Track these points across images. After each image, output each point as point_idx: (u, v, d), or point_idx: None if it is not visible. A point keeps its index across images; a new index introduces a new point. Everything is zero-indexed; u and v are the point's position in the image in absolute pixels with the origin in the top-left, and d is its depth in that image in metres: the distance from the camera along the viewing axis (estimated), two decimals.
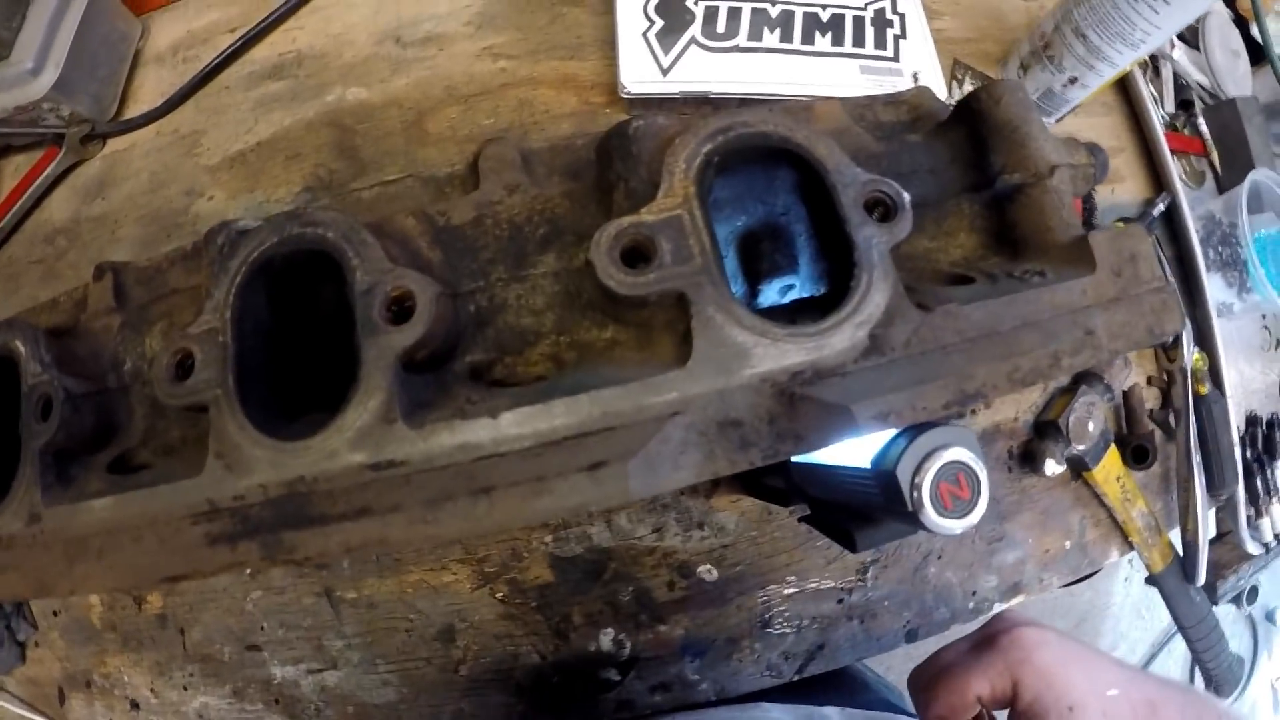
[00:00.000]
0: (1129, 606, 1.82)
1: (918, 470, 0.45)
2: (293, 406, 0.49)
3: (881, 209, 0.45)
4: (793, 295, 0.53)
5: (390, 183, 0.54)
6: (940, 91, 0.87)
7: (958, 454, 0.45)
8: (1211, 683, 1.00)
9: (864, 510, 0.55)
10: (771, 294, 0.53)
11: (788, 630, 0.83)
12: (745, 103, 0.80)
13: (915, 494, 0.45)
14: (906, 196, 0.45)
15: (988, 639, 0.54)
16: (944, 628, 0.86)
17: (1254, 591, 1.07)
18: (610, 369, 0.44)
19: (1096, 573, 0.94)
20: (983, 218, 0.54)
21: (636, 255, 0.43)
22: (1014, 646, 0.52)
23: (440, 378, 0.46)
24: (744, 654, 0.82)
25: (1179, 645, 1.76)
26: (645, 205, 0.43)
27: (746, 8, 0.81)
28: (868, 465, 0.47)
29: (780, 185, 0.51)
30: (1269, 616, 1.48)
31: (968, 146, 0.54)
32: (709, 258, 0.42)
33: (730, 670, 0.82)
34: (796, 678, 0.84)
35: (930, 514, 0.45)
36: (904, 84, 0.81)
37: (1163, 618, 1.79)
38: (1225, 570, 1.03)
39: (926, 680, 0.55)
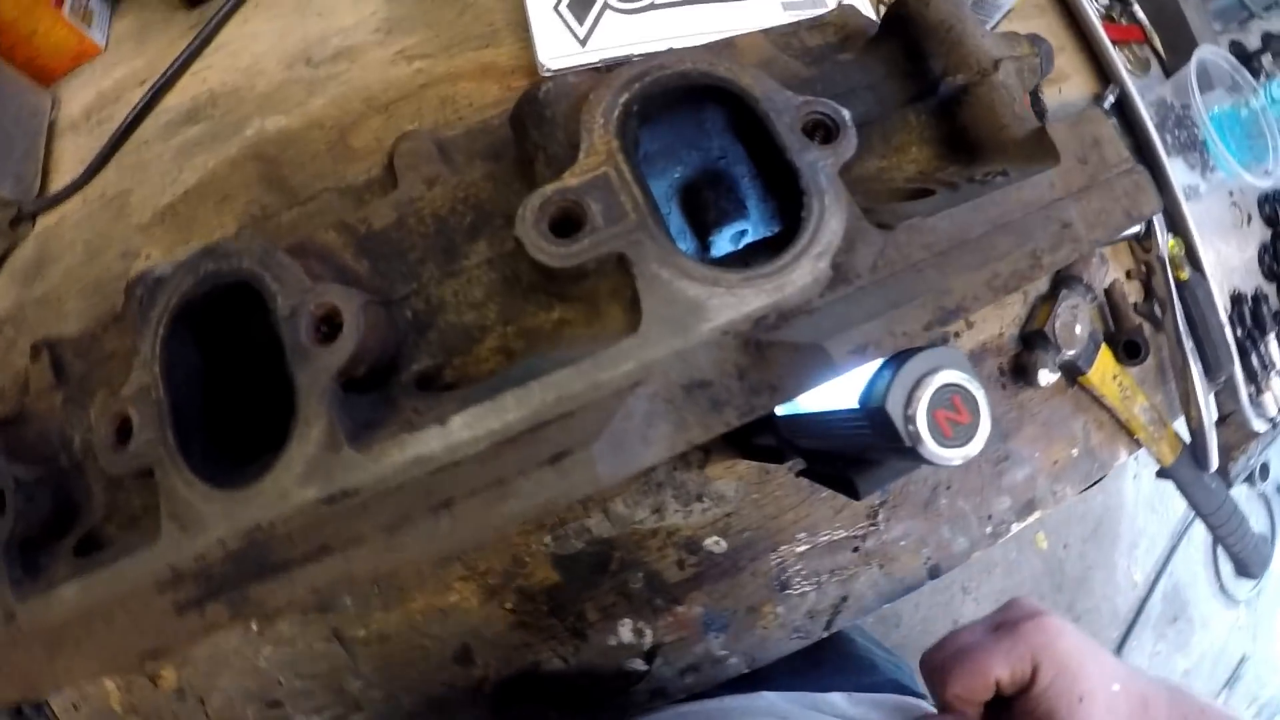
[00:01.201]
0: (1142, 502, 1.78)
1: (909, 401, 0.40)
2: (245, 449, 0.44)
3: (822, 131, 0.41)
4: (747, 241, 0.49)
5: (308, 200, 0.50)
6: (866, 11, 0.82)
7: (949, 376, 0.40)
8: (1240, 565, 0.96)
9: (862, 454, 0.50)
10: (724, 243, 0.49)
11: (807, 588, 0.79)
12: None
13: (910, 427, 0.40)
14: (846, 113, 0.41)
15: (1009, 624, 0.52)
16: (965, 558, 0.82)
17: (1265, 468, 1.03)
18: (561, 351, 0.39)
19: (1105, 476, 0.90)
20: (932, 127, 0.50)
21: (566, 224, 0.38)
22: (1038, 632, 0.51)
23: (387, 394, 0.42)
24: (768, 620, 0.78)
25: (1197, 533, 1.73)
26: (565, 168, 0.39)
27: None
28: (856, 406, 0.43)
29: (711, 127, 0.47)
30: None
31: (903, 57, 0.49)
32: (643, 212, 0.38)
33: (757, 639, 0.78)
34: (826, 634, 0.79)
35: (930, 446, 0.40)
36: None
37: (1177, 508, 1.76)
38: (1234, 451, 0.99)
39: (943, 661, 0.53)
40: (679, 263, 0.37)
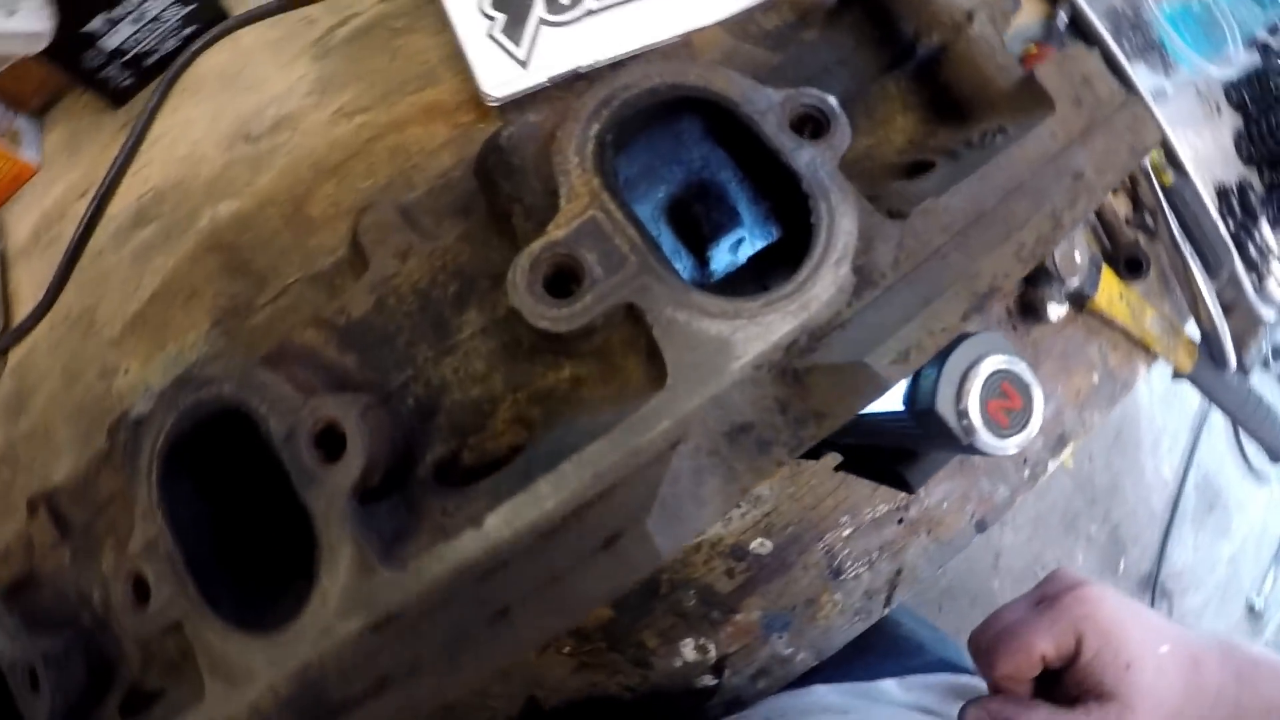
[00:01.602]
0: (1157, 401, 1.76)
1: (959, 397, 0.37)
2: (270, 579, 0.41)
3: (811, 124, 0.37)
4: (746, 249, 0.45)
5: (278, 297, 0.46)
6: None
7: (995, 363, 0.37)
8: (1274, 454, 0.94)
9: (907, 446, 0.47)
10: (723, 256, 0.45)
11: (860, 569, 0.76)
12: (616, 65, 0.71)
13: (965, 422, 0.37)
14: (832, 100, 0.37)
15: (1050, 598, 0.51)
16: (1009, 506, 0.79)
17: (1277, 351, 1.01)
18: (584, 417, 0.36)
19: (1128, 394, 0.87)
20: (913, 93, 0.46)
21: (562, 281, 0.34)
22: (1078, 604, 0.49)
23: (407, 494, 0.38)
24: (827, 609, 0.75)
25: (1216, 420, 1.72)
26: (549, 220, 0.35)
27: None
28: (901, 408, 0.39)
29: (688, 138, 0.43)
30: None
31: (870, 24, 0.46)
32: (643, 252, 0.34)
33: (820, 630, 0.75)
34: (888, 610, 0.77)
35: (987, 439, 0.37)
36: None
37: (1192, 400, 1.72)
38: (1245, 340, 0.96)
39: (990, 641, 0.52)
40: (694, 300, 0.33)
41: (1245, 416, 0.89)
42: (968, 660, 0.88)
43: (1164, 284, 0.87)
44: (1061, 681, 0.50)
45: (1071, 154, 0.41)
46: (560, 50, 0.69)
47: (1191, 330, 0.88)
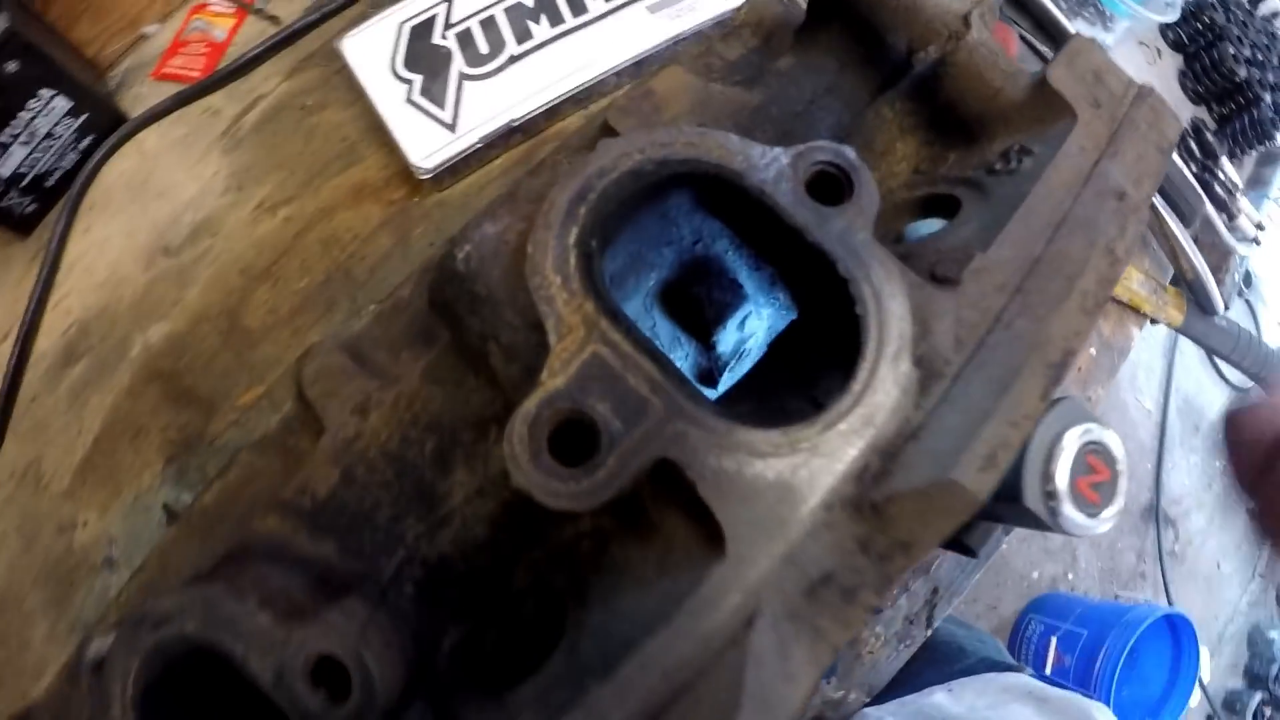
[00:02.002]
0: (1144, 358, 1.74)
1: (1045, 483, 0.30)
2: None
3: (830, 185, 0.30)
4: (754, 326, 0.38)
5: (223, 474, 0.38)
6: None
7: (1079, 437, 0.31)
8: (1264, 384, 0.91)
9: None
10: (730, 338, 0.38)
11: (898, 597, 0.70)
12: (551, 111, 0.63)
13: (1054, 510, 0.31)
14: (850, 153, 0.30)
15: None
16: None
17: (1248, 277, 0.97)
18: (627, 591, 0.28)
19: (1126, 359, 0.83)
20: (911, 114, 0.39)
21: (572, 443, 0.27)
22: None
23: (436, 698, 0.30)
24: (871, 645, 0.69)
25: (1186, 345, 1.70)
26: (538, 360, 0.27)
27: (498, 11, 0.63)
28: None
29: (677, 214, 0.36)
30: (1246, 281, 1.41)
31: (853, 41, 0.39)
32: (668, 391, 0.26)
33: (867, 667, 0.69)
34: (930, 631, 0.71)
35: (1079, 521, 0.31)
36: (701, 4, 0.65)
37: (1159, 329, 1.69)
38: (1220, 275, 0.93)
39: None
40: (741, 440, 0.26)
41: (1240, 358, 0.86)
42: (1008, 655, 0.84)
43: (1141, 241, 0.83)
44: None
45: (1106, 170, 0.35)
46: (488, 105, 0.61)
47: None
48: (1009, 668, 0.74)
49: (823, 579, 0.26)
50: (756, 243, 0.36)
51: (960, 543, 0.41)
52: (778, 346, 0.36)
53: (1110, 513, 0.32)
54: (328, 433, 0.33)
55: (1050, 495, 0.31)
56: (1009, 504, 0.31)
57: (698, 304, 0.37)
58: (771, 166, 0.29)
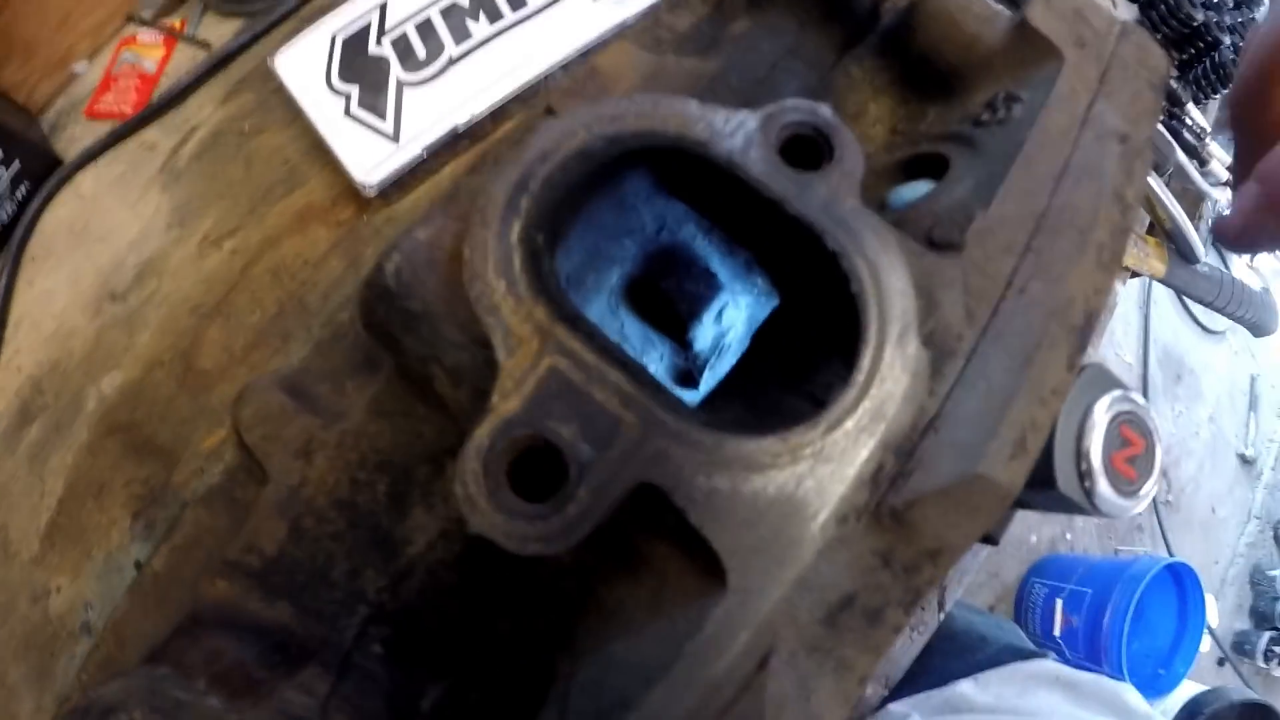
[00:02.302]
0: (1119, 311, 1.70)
1: (1079, 464, 0.26)
2: None
3: (807, 148, 0.26)
4: (732, 317, 0.34)
5: (170, 535, 0.34)
6: None
7: (1111, 407, 0.27)
8: (1256, 329, 0.88)
9: None
10: (707, 333, 0.34)
11: None
12: (498, 113, 0.59)
13: (1090, 492, 0.27)
14: (826, 109, 0.26)
15: None
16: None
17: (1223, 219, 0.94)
18: (619, 637, 0.24)
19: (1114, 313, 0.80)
20: (882, 70, 0.35)
21: (537, 473, 0.22)
22: None
23: None
24: None
25: (1159, 291, 1.67)
26: (488, 381, 0.23)
27: (433, 13, 0.58)
28: None
29: (635, 198, 0.31)
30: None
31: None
32: (642, 402, 0.22)
33: (886, 661, 0.66)
34: (943, 615, 0.67)
35: (1118, 502, 0.27)
36: None
37: (1132, 281, 1.67)
38: (1195, 221, 0.90)
39: None
40: (733, 453, 0.21)
41: (1225, 303, 0.82)
42: (1029, 641, 0.80)
43: None
44: None
45: (1102, 112, 0.31)
46: (430, 112, 0.56)
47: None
48: (1033, 654, 0.71)
49: (842, 603, 0.22)
50: (728, 224, 0.31)
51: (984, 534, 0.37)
52: (762, 338, 0.32)
53: (1149, 488, 0.28)
54: (271, 482, 0.29)
55: (1085, 476, 0.27)
56: (1039, 490, 0.27)
57: (668, 299, 0.32)
58: (739, 133, 0.25)
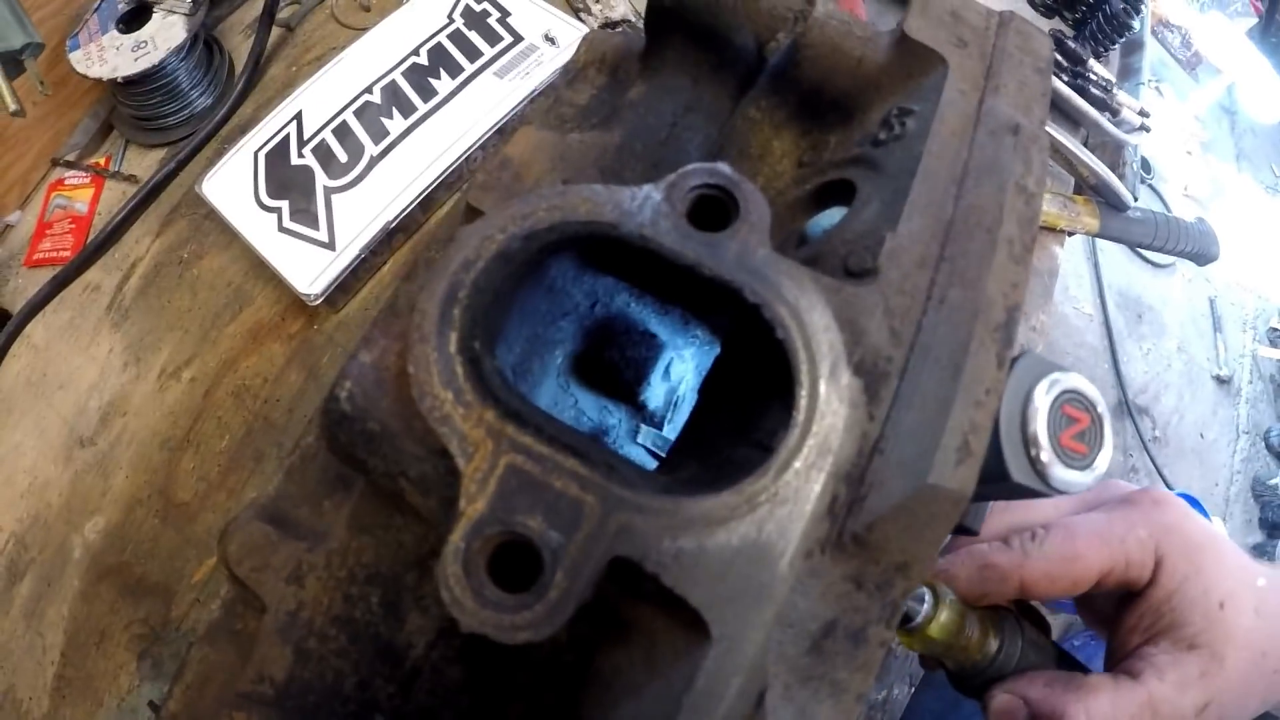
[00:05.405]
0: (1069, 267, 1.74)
1: (1028, 451, 0.28)
2: None
3: (715, 208, 0.27)
4: (680, 370, 0.35)
5: (180, 675, 0.34)
6: (581, 30, 0.68)
7: (1050, 391, 0.28)
8: (1200, 259, 0.90)
9: None
10: (658, 392, 0.35)
11: None
12: (426, 202, 0.60)
13: (1043, 474, 0.28)
14: (724, 167, 0.27)
15: (1119, 501, 0.38)
16: None
17: (1145, 164, 0.97)
18: (620, 700, 0.25)
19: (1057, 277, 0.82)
20: (779, 108, 0.37)
21: (515, 564, 0.23)
22: (1160, 511, 0.37)
23: None
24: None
25: (1105, 244, 1.71)
26: (453, 488, 0.24)
27: (348, 115, 0.60)
28: None
29: (563, 282, 0.33)
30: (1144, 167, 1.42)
31: (698, 52, 0.36)
32: (598, 482, 0.23)
33: (902, 658, 0.66)
34: None
35: (1072, 479, 0.29)
36: (547, 56, 0.63)
37: (1075, 237, 1.70)
38: (1119, 170, 0.93)
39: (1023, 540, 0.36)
40: (693, 514, 0.23)
41: (1164, 242, 0.85)
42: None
43: None
44: (1123, 612, 0.37)
45: (992, 106, 0.33)
46: (362, 213, 0.57)
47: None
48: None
49: (825, 630, 0.23)
50: (656, 287, 0.33)
51: (960, 527, 0.39)
52: (711, 387, 0.33)
53: (1103, 458, 0.29)
54: (269, 610, 0.30)
55: (1036, 462, 0.28)
56: (995, 484, 0.28)
57: (614, 368, 0.34)
58: (645, 207, 0.27)
